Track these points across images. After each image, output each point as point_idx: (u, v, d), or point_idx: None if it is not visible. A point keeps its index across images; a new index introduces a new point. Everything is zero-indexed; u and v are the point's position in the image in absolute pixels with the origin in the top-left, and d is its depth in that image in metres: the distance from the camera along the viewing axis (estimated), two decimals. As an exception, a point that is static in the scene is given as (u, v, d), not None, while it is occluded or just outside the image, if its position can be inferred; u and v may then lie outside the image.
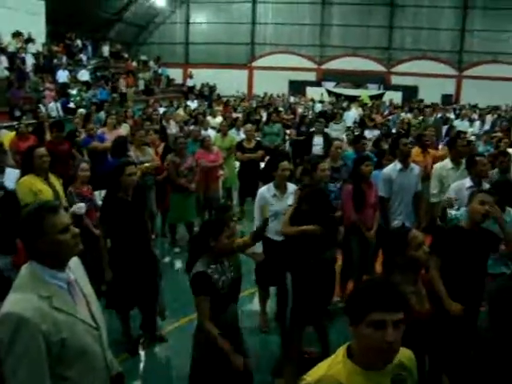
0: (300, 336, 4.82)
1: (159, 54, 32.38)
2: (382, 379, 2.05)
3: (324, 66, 32.93)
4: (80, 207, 5.90)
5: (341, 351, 2.11)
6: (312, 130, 11.01)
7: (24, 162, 5.71)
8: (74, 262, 2.54)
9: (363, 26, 31.91)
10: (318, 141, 10.01)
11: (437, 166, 7.03)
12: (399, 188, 6.43)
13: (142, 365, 5.19)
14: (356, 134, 10.77)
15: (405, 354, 2.20)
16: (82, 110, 13.82)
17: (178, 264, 7.91)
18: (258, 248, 5.35)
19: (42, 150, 5.61)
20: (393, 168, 6.53)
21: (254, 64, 33.62)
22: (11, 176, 6.16)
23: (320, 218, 4.69)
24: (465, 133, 9.51)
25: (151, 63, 30.83)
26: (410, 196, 6.50)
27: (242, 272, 5.20)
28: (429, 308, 3.35)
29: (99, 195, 6.86)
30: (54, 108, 17.75)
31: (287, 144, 13.08)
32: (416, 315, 3.13)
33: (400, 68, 32.18)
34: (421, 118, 14.43)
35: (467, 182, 5.88)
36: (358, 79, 31.27)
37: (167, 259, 7.82)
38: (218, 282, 3.70)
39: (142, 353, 5.32)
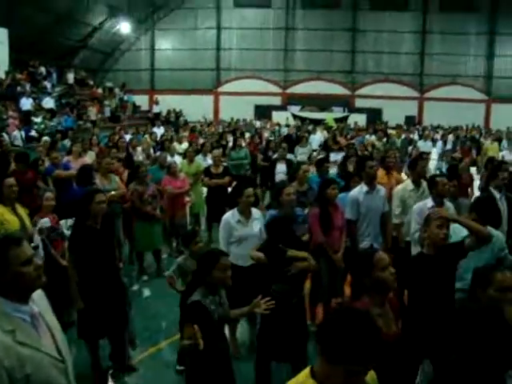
0: (265, 369, 4.80)
1: (125, 81, 32.36)
2: None
3: (289, 90, 33.40)
4: (45, 222, 5.89)
5: (304, 372, 2.16)
6: (275, 156, 11.10)
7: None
8: (38, 295, 2.51)
9: (326, 51, 32.57)
10: (280, 168, 10.10)
11: (398, 187, 7.12)
12: (366, 210, 6.50)
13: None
14: (319, 157, 10.88)
15: (369, 374, 2.24)
16: (46, 138, 13.67)
17: (147, 292, 7.84)
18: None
19: (11, 180, 5.57)
20: (359, 190, 6.60)
21: (220, 89, 33.89)
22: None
23: (272, 248, 4.73)
24: (427, 153, 9.76)
25: (117, 90, 30.75)
26: (377, 217, 6.58)
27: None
28: (395, 330, 3.38)
29: (65, 224, 6.80)
30: (17, 136, 17.47)
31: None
32: (384, 337, 3.18)
33: (363, 91, 32.87)
34: (384, 139, 14.73)
35: (429, 202, 6.01)
36: (323, 103, 31.78)
37: (135, 287, 7.74)
38: (214, 313, 3.69)
39: (111, 384, 5.23)
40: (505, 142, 17.55)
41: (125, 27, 31.64)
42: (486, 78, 33.09)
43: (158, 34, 34.18)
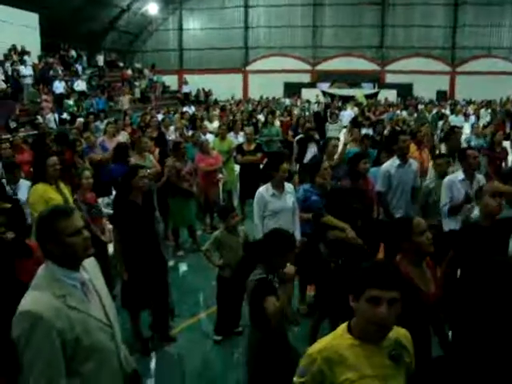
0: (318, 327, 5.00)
1: (153, 62, 32.54)
2: (378, 353, 2.22)
3: (318, 68, 33.16)
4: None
5: (341, 327, 2.30)
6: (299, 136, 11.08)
7: (36, 171, 5.88)
8: (90, 262, 2.64)
9: (355, 26, 32.16)
10: (311, 150, 10.07)
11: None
12: (398, 183, 6.56)
13: (153, 364, 5.29)
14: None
15: (401, 333, 2.36)
16: (80, 120, 13.94)
17: (183, 267, 8.04)
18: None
19: (55, 159, 5.75)
20: (391, 163, 6.65)
21: (249, 68, 33.84)
22: (23, 187, 6.33)
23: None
24: (460, 128, 9.65)
25: (146, 71, 30.97)
26: (408, 190, 6.63)
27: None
28: (434, 291, 3.48)
29: (102, 202, 7.02)
30: (51, 119, 17.86)
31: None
32: (423, 297, 3.30)
33: (394, 66, 32.40)
34: (415, 115, 14.61)
35: (460, 175, 6.02)
36: (353, 79, 31.46)
37: (172, 262, 7.92)
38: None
39: (153, 353, 5.43)
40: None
41: (152, 8, 31.79)
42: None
43: (186, 14, 34.22)
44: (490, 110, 20.02)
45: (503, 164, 8.87)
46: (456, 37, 32.27)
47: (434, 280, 3.57)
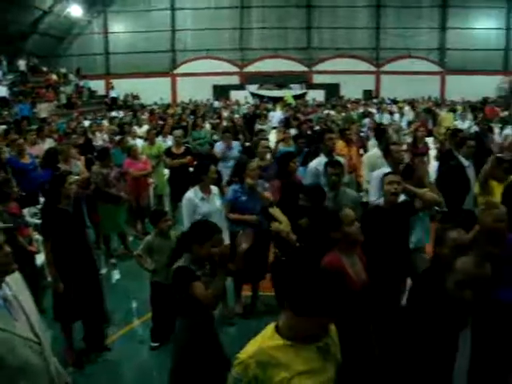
0: None
1: (79, 66, 31.74)
2: (308, 348, 2.27)
3: (246, 69, 33.37)
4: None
5: (269, 329, 2.31)
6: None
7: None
8: (14, 278, 2.53)
9: (282, 28, 32.62)
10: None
11: (366, 155, 7.43)
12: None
13: (88, 376, 5.16)
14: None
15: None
16: (2, 127, 13.44)
17: (116, 274, 7.91)
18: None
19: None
20: (319, 161, 6.83)
21: (177, 71, 33.58)
22: None
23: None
24: (381, 124, 10.08)
25: (71, 76, 30.16)
26: None
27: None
28: (364, 279, 3.72)
29: (28, 212, 6.80)
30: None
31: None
32: (353, 286, 3.44)
33: (321, 67, 33.07)
34: (343, 114, 14.99)
35: (386, 169, 6.24)
36: (281, 80, 31.86)
37: (104, 270, 7.78)
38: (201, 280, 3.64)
39: (87, 365, 5.29)
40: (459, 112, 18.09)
41: (76, 10, 30.88)
42: (440, 51, 33.76)
43: (111, 17, 33.53)
44: (418, 110, 20.76)
45: (425, 158, 9.25)
46: (379, 38, 33.35)
47: (365, 270, 3.75)
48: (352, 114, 16.97)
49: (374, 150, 7.48)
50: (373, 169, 7.04)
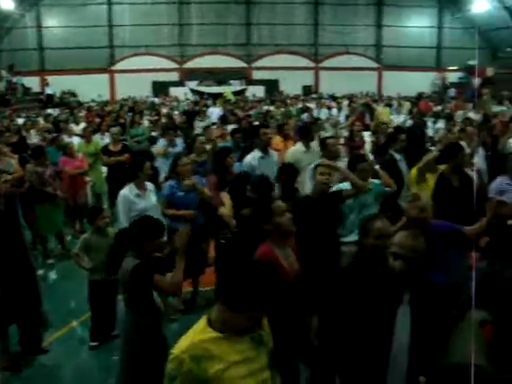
0: None
1: (12, 62, 30.61)
2: (241, 339, 2.32)
3: (186, 66, 33.13)
4: None
5: (201, 323, 2.35)
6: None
7: None
8: None
9: (221, 24, 32.56)
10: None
11: (290, 150, 7.55)
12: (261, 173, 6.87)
13: (27, 380, 5.05)
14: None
15: None
16: None
17: (53, 275, 7.77)
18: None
19: None
20: (254, 156, 6.99)
21: (115, 67, 32.93)
22: None
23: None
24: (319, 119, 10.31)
25: (3, 72, 29.08)
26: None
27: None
28: (297, 269, 3.78)
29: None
30: None
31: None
32: (285, 276, 3.50)
33: (260, 63, 33.22)
34: (282, 109, 15.16)
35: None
36: (220, 76, 31.87)
37: (41, 271, 7.60)
38: None
39: (25, 368, 5.16)
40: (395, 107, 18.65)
41: (6, 3, 29.66)
42: (377, 47, 34.64)
43: (45, 11, 32.38)
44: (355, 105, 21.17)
45: (361, 151, 9.49)
46: (317, 35, 33.86)
47: (298, 260, 3.84)
48: (291, 109, 17.19)
49: (297, 145, 7.63)
50: (296, 163, 7.21)
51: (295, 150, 7.55)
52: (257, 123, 12.89)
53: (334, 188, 5.31)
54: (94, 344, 5.45)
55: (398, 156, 7.22)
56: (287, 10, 33.03)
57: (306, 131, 7.76)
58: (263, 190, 5.06)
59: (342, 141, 9.96)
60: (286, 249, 3.79)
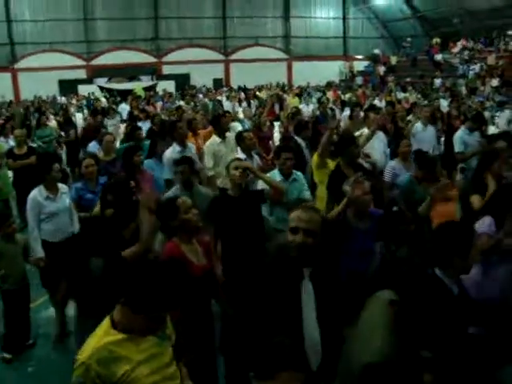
0: None
1: None
2: (145, 339, 2.35)
3: (93, 62, 32.19)
4: None
5: (104, 325, 2.34)
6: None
7: None
8: None
9: (128, 19, 31.90)
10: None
11: (207, 143, 7.62)
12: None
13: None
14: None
15: None
16: None
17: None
18: (39, 253, 5.32)
19: None
20: (173, 150, 7.01)
21: (17, 66, 31.34)
22: None
23: None
24: (229, 112, 10.41)
25: None
26: None
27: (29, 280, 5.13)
28: (205, 263, 3.82)
29: None
30: None
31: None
32: (194, 270, 3.56)
33: (170, 57, 32.88)
34: (192, 103, 15.13)
35: (241, 154, 6.60)
36: (130, 72, 31.22)
37: None
38: None
39: None
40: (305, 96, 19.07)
41: None
42: (285, 39, 35.21)
43: None
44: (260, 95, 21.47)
45: (270, 142, 9.66)
46: (226, 27, 33.92)
47: (206, 255, 3.87)
48: (207, 103, 17.18)
49: (213, 138, 7.73)
50: (214, 156, 7.31)
51: (211, 142, 7.64)
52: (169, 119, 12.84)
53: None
54: (9, 356, 5.26)
55: (303, 143, 7.51)
56: (195, 3, 32.86)
57: (215, 121, 7.91)
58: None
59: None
60: (194, 244, 3.82)
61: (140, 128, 9.11)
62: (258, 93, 22.19)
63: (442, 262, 3.10)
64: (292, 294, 2.82)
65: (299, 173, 5.75)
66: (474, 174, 5.33)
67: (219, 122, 7.73)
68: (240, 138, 6.88)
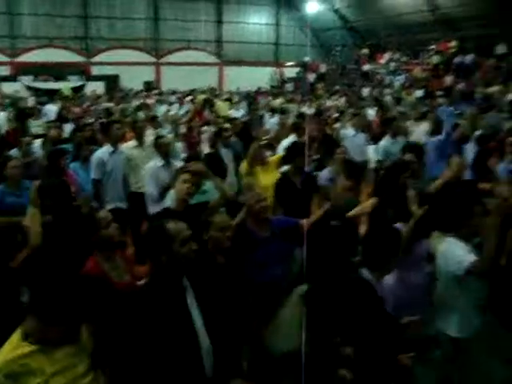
0: None
1: None
2: (59, 350, 2.31)
3: (18, 59, 30.94)
4: None
5: (14, 338, 2.28)
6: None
7: None
8: None
9: (57, 16, 30.92)
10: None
11: (122, 146, 7.56)
12: (112, 169, 6.95)
13: None
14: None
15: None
16: None
17: None
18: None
19: None
20: (104, 150, 7.01)
21: None
22: None
23: None
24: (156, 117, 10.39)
25: None
26: (120, 178, 7.12)
27: None
28: (128, 280, 3.69)
29: None
30: None
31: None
32: (117, 286, 3.47)
33: (100, 58, 32.14)
34: (121, 105, 14.87)
35: (158, 162, 6.50)
36: (58, 72, 30.17)
37: None
38: None
39: None
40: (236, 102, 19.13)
41: None
42: (218, 43, 35.24)
43: None
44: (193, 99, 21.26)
45: (198, 148, 9.64)
46: (159, 29, 33.57)
47: (131, 271, 3.77)
48: (127, 107, 16.83)
49: (130, 142, 7.76)
50: (129, 160, 7.37)
51: (126, 145, 7.60)
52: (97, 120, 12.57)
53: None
54: None
55: (224, 150, 7.61)
56: (126, 3, 32.31)
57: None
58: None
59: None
60: (116, 260, 3.70)
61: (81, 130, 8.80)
62: (189, 97, 21.97)
63: (371, 263, 3.28)
64: (180, 307, 2.83)
65: (208, 183, 5.63)
66: (382, 184, 5.49)
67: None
68: (156, 143, 6.83)
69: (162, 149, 6.64)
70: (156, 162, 6.52)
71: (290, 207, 4.96)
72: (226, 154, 7.68)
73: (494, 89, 18.89)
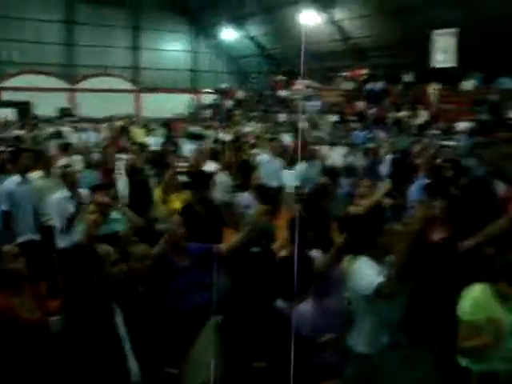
0: None
1: None
2: None
3: None
4: None
5: None
6: None
7: None
8: None
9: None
10: None
11: (31, 176, 7.34)
12: (19, 200, 6.63)
13: None
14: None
15: None
16: None
17: None
18: None
19: None
20: (13, 181, 6.71)
21: None
22: None
23: None
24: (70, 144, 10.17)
25: None
26: (31, 207, 6.78)
27: None
28: (39, 315, 3.54)
29: None
30: None
31: None
32: (26, 322, 3.33)
33: (10, 83, 30.96)
34: (33, 133, 14.45)
35: (64, 192, 6.29)
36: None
37: None
38: None
39: None
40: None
41: None
42: (135, 69, 35.01)
43: None
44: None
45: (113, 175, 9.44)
46: (74, 55, 32.90)
47: (40, 306, 3.62)
48: (43, 132, 16.36)
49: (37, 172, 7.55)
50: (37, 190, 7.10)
51: (33, 175, 7.35)
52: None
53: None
54: None
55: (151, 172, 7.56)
56: (37, 27, 31.38)
57: (38, 158, 7.66)
58: None
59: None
60: (23, 296, 3.53)
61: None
62: (106, 124, 21.56)
63: (284, 293, 3.34)
64: (108, 331, 2.81)
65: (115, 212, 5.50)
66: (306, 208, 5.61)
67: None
68: (62, 173, 6.62)
69: (68, 179, 6.39)
70: (61, 193, 6.29)
71: (195, 236, 4.92)
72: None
73: (403, 114, 19.92)
